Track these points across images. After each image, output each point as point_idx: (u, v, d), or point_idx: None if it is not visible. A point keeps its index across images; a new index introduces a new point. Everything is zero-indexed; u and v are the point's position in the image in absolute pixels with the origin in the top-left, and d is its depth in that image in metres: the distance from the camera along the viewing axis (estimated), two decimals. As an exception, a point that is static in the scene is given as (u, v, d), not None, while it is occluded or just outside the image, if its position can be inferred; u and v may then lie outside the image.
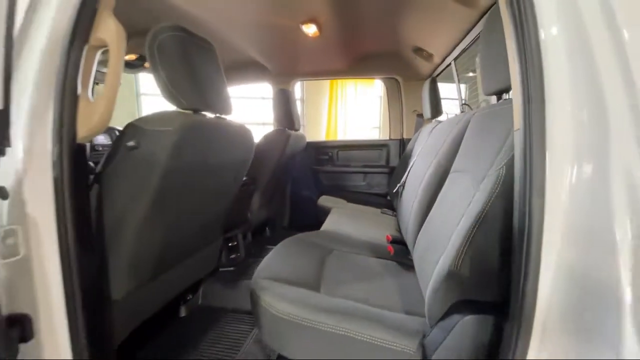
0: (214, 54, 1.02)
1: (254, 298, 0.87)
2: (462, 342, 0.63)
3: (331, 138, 4.87)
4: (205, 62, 0.97)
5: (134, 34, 1.07)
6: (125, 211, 0.84)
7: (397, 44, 2.08)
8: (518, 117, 0.53)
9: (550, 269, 0.48)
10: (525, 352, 0.50)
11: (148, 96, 4.37)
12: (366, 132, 5.05)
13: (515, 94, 0.55)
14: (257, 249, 1.93)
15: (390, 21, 1.76)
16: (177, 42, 0.88)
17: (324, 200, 2.34)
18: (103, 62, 1.04)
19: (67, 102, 0.62)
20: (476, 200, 0.67)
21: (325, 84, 4.89)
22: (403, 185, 1.72)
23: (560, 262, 0.48)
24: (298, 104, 2.97)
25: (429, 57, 2.05)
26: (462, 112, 1.90)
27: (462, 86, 2.67)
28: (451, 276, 0.65)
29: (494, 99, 0.87)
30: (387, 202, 2.33)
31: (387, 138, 2.59)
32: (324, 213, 2.04)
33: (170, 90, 0.88)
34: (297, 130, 2.16)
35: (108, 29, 0.67)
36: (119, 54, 0.69)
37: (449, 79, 2.11)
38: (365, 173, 2.58)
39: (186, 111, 0.93)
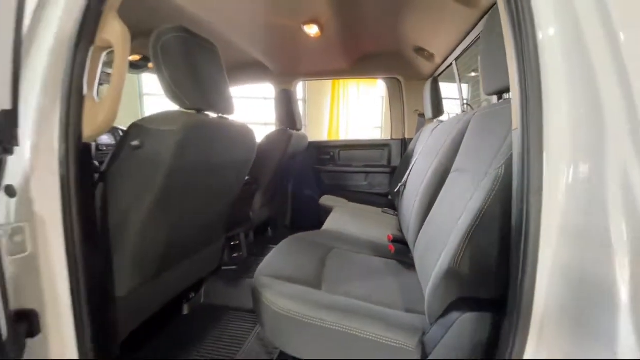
0: (216, 54, 1.03)
1: (255, 295, 0.88)
2: (460, 340, 0.64)
3: (333, 138, 4.87)
4: (208, 62, 0.98)
5: (138, 35, 1.08)
6: (130, 210, 0.85)
7: (398, 44, 2.09)
8: (516, 117, 0.54)
9: (547, 267, 0.49)
10: (522, 350, 0.51)
11: (151, 96, 4.40)
12: (368, 132, 5.03)
13: (514, 94, 0.55)
14: (259, 248, 1.94)
15: (391, 21, 1.77)
16: (180, 42, 0.89)
17: (326, 200, 2.35)
18: (107, 63, 1.06)
19: (74, 101, 0.63)
20: (475, 199, 0.67)
21: (327, 84, 4.88)
22: (404, 185, 1.72)
23: (557, 261, 0.48)
24: (300, 104, 2.97)
25: (430, 57, 2.05)
26: (463, 112, 1.91)
27: (465, 86, 2.67)
28: (451, 273, 0.66)
29: (495, 98, 0.88)
30: (389, 202, 2.33)
31: (389, 138, 2.60)
32: (326, 212, 2.05)
33: (174, 90, 0.89)
34: (299, 130, 2.16)
35: (113, 31, 0.68)
36: (124, 54, 0.70)
37: (451, 79, 2.11)
38: (366, 173, 2.58)
39: (189, 111, 0.94)
